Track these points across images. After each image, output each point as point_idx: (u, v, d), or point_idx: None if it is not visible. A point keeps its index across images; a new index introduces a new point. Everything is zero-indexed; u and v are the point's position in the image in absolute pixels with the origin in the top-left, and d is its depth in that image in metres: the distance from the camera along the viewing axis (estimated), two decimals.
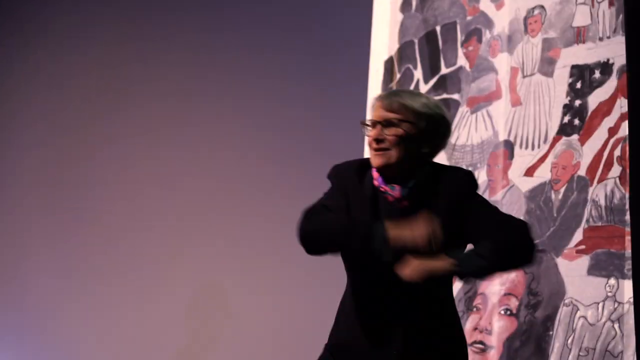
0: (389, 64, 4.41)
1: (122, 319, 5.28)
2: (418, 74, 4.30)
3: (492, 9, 4.08)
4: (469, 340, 3.59)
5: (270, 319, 4.74)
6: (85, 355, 5.39)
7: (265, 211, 4.85)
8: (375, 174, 2.75)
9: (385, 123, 2.71)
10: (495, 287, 3.81)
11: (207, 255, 5.06)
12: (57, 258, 5.63)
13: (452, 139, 4.12)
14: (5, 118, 6.07)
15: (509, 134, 3.91)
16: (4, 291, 5.81)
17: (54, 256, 5.64)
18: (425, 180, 2.71)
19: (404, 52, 4.40)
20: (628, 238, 3.40)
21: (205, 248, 5.07)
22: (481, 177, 3.97)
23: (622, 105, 3.55)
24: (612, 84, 3.61)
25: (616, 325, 3.43)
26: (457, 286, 3.93)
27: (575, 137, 3.70)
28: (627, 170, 3.44)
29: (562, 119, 3.75)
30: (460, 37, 4.20)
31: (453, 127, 4.14)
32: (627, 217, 3.42)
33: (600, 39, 3.68)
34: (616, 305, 3.44)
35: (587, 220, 3.59)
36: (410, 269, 2.56)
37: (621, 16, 3.59)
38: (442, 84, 4.23)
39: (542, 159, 3.78)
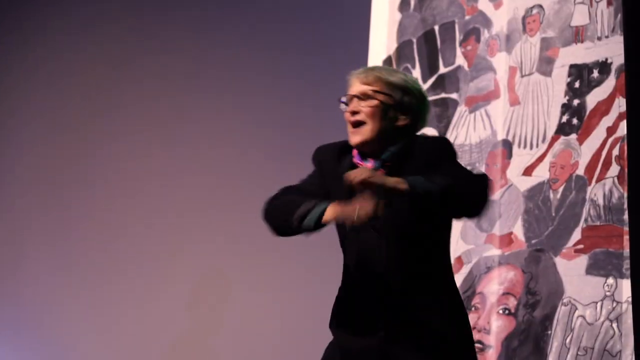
0: (387, 63, 4.40)
1: (120, 315, 5.28)
2: (416, 73, 4.30)
3: (490, 8, 4.08)
4: None
5: (271, 315, 4.75)
6: (83, 351, 5.39)
7: None
8: (354, 151, 2.71)
9: (361, 96, 2.69)
10: (493, 286, 3.82)
11: (207, 251, 5.06)
12: (55, 254, 5.63)
13: (451, 139, 4.12)
14: (4, 116, 6.06)
15: (508, 134, 3.92)
16: (2, 286, 5.81)
17: (52, 252, 5.64)
18: (400, 152, 2.65)
19: (402, 52, 4.40)
20: (626, 237, 3.41)
21: (205, 245, 5.07)
22: None
23: (620, 104, 3.56)
24: (610, 83, 3.61)
25: (614, 325, 3.43)
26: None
27: (573, 136, 3.70)
28: (626, 170, 3.44)
29: (561, 118, 3.75)
30: (458, 37, 4.20)
31: (451, 126, 4.15)
32: (626, 216, 3.43)
33: (599, 39, 3.68)
34: (614, 304, 3.44)
35: (586, 220, 3.60)
36: (358, 172, 2.47)
37: (619, 15, 3.59)
38: (441, 84, 4.22)
39: (541, 159, 3.79)
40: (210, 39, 5.29)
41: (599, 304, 3.49)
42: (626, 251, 3.41)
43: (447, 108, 4.16)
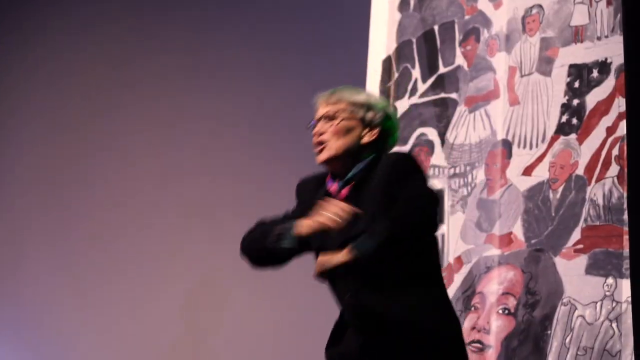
0: (387, 63, 4.40)
1: (120, 315, 5.28)
2: (416, 73, 4.30)
3: (490, 8, 4.08)
4: (467, 339, 3.57)
5: (269, 318, 4.75)
6: (83, 351, 5.39)
7: (264, 210, 4.84)
8: (328, 177, 2.78)
9: (325, 118, 2.77)
10: (493, 286, 3.81)
11: (207, 252, 5.06)
12: (55, 254, 5.63)
13: (450, 139, 4.13)
14: (4, 116, 6.06)
15: (507, 133, 3.91)
16: (2, 286, 5.81)
17: (52, 252, 5.64)
18: (366, 169, 2.71)
19: (402, 52, 4.40)
20: (626, 237, 3.41)
21: (204, 246, 5.07)
22: (479, 176, 3.97)
23: (620, 104, 3.55)
24: (610, 83, 3.61)
25: (614, 325, 3.43)
26: (455, 286, 3.94)
27: (573, 136, 3.70)
28: (625, 170, 3.44)
29: (560, 118, 3.75)
30: (458, 37, 4.20)
31: (451, 126, 4.15)
32: (625, 216, 3.43)
33: (599, 38, 3.68)
34: (614, 304, 3.44)
35: (585, 220, 3.60)
36: (316, 266, 2.59)
37: (619, 15, 3.59)
38: (440, 83, 4.22)
39: (540, 158, 3.78)
40: (210, 39, 5.29)
41: (598, 304, 3.49)
42: (626, 251, 3.41)
43: (446, 108, 4.16)
